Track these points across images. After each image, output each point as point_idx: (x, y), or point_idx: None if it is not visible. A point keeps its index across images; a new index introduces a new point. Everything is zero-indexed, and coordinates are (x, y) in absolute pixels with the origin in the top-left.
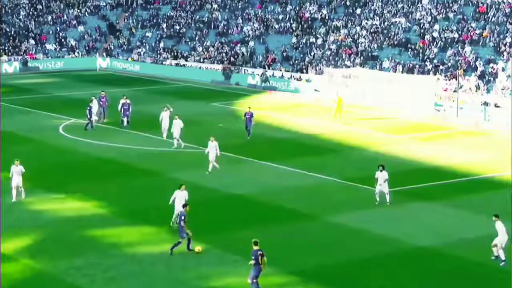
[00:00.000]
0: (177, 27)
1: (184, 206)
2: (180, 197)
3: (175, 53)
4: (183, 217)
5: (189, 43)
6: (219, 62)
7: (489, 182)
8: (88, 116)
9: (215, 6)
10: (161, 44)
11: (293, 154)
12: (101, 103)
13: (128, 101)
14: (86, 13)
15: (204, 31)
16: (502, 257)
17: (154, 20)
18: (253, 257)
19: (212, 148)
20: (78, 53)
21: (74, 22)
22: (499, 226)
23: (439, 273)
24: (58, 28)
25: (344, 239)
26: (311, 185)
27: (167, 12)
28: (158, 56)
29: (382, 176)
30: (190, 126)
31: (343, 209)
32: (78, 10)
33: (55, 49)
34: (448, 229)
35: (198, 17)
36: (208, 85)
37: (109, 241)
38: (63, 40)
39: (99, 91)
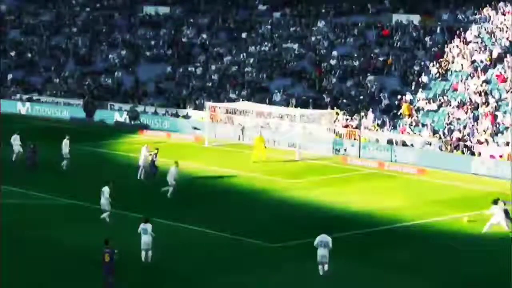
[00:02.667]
0: (29, 55)
1: (106, 242)
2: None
3: (27, 86)
4: (114, 255)
5: (44, 73)
6: (80, 96)
7: (395, 233)
8: None
9: (75, 29)
10: (9, 76)
11: (167, 203)
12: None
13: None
14: None
15: (61, 60)
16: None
17: (0, 47)
18: None
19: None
20: None
21: None
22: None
23: None
24: None
25: None
26: (190, 239)
27: (16, 37)
28: (6, 89)
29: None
30: (45, 172)
31: (225, 267)
32: None
33: None
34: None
35: (54, 43)
36: (67, 123)
37: None
38: None
39: None
